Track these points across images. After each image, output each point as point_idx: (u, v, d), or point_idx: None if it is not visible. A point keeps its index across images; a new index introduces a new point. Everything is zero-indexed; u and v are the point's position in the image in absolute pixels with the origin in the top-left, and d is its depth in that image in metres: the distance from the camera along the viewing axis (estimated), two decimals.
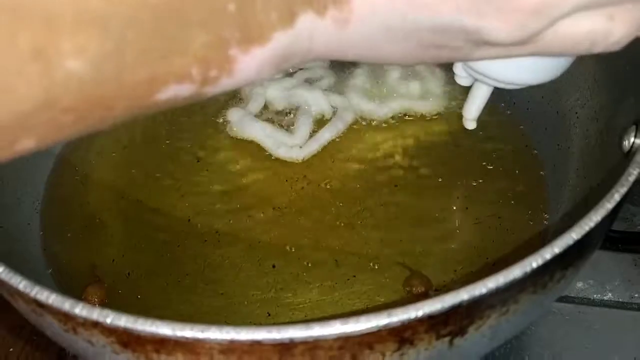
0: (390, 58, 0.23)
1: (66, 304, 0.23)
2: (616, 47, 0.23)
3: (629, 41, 0.23)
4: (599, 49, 0.23)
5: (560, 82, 0.44)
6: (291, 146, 0.45)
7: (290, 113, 0.48)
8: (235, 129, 0.47)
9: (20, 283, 0.24)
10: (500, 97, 0.48)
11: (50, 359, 0.47)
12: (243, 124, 0.46)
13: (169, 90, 0.20)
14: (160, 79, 0.19)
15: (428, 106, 0.47)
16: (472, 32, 0.21)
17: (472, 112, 0.38)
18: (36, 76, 0.17)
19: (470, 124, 0.40)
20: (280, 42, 0.21)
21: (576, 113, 0.42)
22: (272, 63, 0.21)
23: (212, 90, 0.21)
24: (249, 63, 0.20)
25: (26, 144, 0.19)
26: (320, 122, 0.47)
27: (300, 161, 0.45)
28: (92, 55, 0.18)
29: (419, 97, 0.48)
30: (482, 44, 0.22)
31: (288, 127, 0.46)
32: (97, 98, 0.19)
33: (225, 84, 0.21)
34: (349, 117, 0.47)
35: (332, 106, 0.47)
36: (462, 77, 0.33)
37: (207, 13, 0.19)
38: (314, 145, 0.45)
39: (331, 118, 0.47)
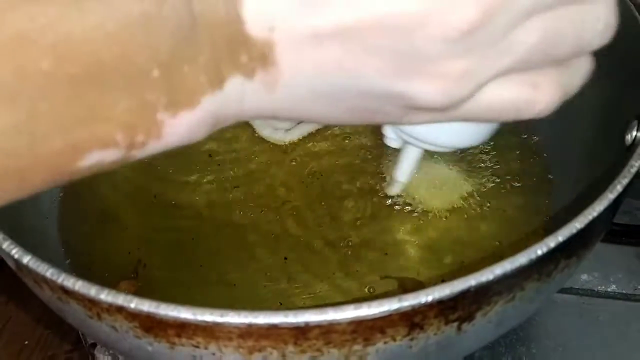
0: (323, 120, 0.23)
1: (92, 290, 0.24)
2: (540, 116, 0.23)
3: (556, 107, 0.23)
4: (524, 117, 0.23)
5: None
6: (277, 129, 0.46)
7: None
8: None
9: (48, 271, 0.26)
10: None
11: (63, 351, 0.48)
12: None
13: (92, 156, 0.19)
14: (81, 147, 0.19)
15: None
16: (400, 97, 0.21)
17: (403, 175, 0.39)
18: None
19: (397, 187, 0.41)
20: (209, 104, 0.20)
21: (580, 107, 0.43)
22: (203, 125, 0.21)
23: (139, 154, 0.20)
24: (178, 126, 0.20)
25: None
26: None
27: (284, 144, 0.46)
28: (1, 127, 0.18)
29: None
30: (412, 109, 0.22)
31: None
32: (11, 170, 0.18)
33: (154, 147, 0.20)
34: None
35: None
36: (391, 138, 0.34)
37: (129, 79, 0.19)
38: (299, 131, 0.46)
39: None
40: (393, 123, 0.26)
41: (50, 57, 0.18)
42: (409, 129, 0.30)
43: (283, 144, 0.46)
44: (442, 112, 0.22)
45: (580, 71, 0.23)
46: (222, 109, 0.21)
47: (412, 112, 0.23)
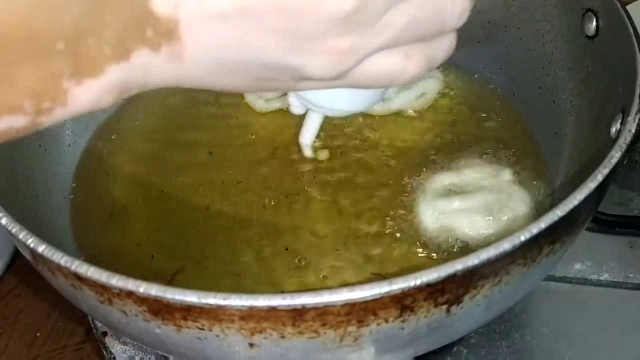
0: (227, 87, 0.26)
1: (103, 276, 0.26)
2: (412, 81, 0.28)
3: (421, 75, 0.27)
4: (398, 83, 0.27)
5: (557, 73, 0.46)
6: (260, 96, 0.50)
7: None
8: None
9: (62, 258, 0.27)
10: (502, 87, 0.50)
11: (75, 342, 0.50)
12: None
13: (1, 122, 0.21)
14: None
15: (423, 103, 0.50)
16: (294, 69, 0.25)
17: (307, 138, 0.44)
18: None
19: (307, 150, 0.45)
20: (114, 74, 0.22)
21: (571, 102, 0.44)
22: (109, 93, 0.22)
23: (47, 120, 0.22)
24: (83, 94, 0.22)
25: None
26: None
27: (260, 112, 0.49)
28: None
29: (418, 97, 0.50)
30: (303, 79, 0.26)
31: None
32: None
33: (61, 113, 0.22)
34: None
35: None
36: (295, 105, 0.39)
37: (34, 51, 0.20)
38: (276, 104, 0.49)
39: None
40: (289, 90, 0.30)
41: None
42: (309, 96, 0.35)
43: (261, 111, 0.50)
44: (329, 81, 0.26)
45: (443, 46, 0.27)
46: (128, 79, 0.23)
47: (304, 81, 0.26)
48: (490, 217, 0.41)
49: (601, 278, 0.45)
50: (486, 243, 0.39)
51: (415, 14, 0.25)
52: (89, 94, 0.22)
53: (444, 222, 0.41)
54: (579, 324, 0.43)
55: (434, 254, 0.40)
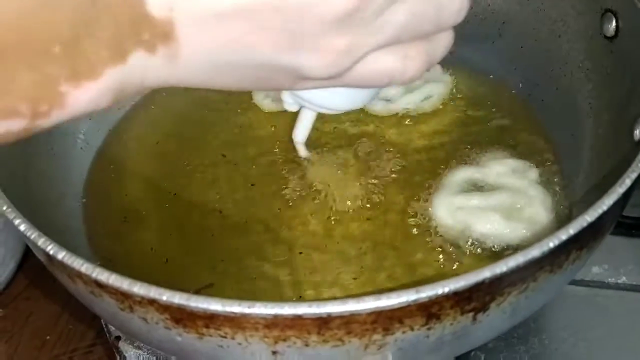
0: (224, 86, 0.26)
1: (125, 284, 0.26)
2: (411, 81, 0.27)
3: (421, 75, 0.27)
4: (397, 82, 0.27)
5: (575, 74, 0.46)
6: (267, 96, 0.50)
7: None
8: None
9: (83, 266, 0.27)
10: (518, 89, 0.50)
11: (85, 345, 0.49)
12: None
13: None
14: None
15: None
16: (292, 69, 0.24)
17: (300, 135, 0.43)
18: None
19: (301, 148, 0.44)
20: (112, 76, 0.22)
21: (589, 103, 0.44)
22: (106, 94, 0.22)
23: (45, 123, 0.22)
24: (81, 97, 0.22)
25: None
26: None
27: (264, 111, 0.49)
28: None
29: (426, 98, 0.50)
30: (302, 78, 0.25)
31: None
32: None
33: (59, 116, 0.22)
34: None
35: None
36: (289, 103, 0.38)
37: (30, 56, 0.20)
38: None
39: None
40: (287, 89, 0.29)
41: None
42: (303, 94, 0.34)
43: (269, 111, 0.50)
44: (327, 80, 0.25)
45: (442, 43, 0.27)
46: (125, 80, 0.22)
47: (302, 81, 0.26)
48: (509, 217, 0.40)
49: (619, 281, 0.45)
50: (502, 243, 0.39)
51: (414, 12, 0.25)
52: (86, 96, 0.22)
53: (460, 217, 0.41)
54: (597, 328, 0.43)
55: (446, 249, 0.40)
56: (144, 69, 0.23)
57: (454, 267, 0.39)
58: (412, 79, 0.27)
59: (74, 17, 0.20)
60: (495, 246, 0.40)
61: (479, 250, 0.40)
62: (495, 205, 0.41)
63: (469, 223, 0.40)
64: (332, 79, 0.25)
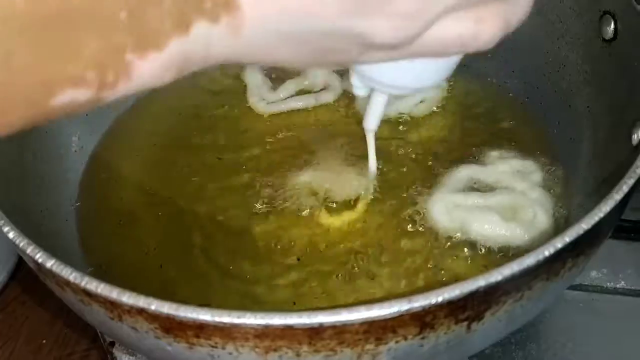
0: (286, 61, 0.25)
1: (114, 293, 0.25)
2: (486, 47, 0.25)
3: (497, 41, 0.25)
4: (470, 49, 0.25)
5: (573, 77, 0.46)
6: (262, 99, 0.49)
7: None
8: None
9: (71, 275, 0.26)
10: (516, 91, 0.49)
11: (81, 349, 0.49)
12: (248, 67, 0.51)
13: (65, 94, 0.21)
14: (54, 83, 0.20)
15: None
16: (358, 35, 0.23)
17: (372, 123, 0.40)
18: None
19: (371, 137, 0.42)
20: (176, 48, 0.21)
21: (588, 107, 0.44)
22: (171, 67, 0.22)
23: (111, 94, 0.21)
24: (146, 68, 0.21)
25: None
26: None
27: (263, 115, 0.49)
28: None
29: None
30: (368, 47, 0.24)
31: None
32: None
33: (124, 88, 0.21)
34: (327, 97, 0.50)
35: (328, 84, 0.51)
36: (358, 87, 0.35)
37: (98, 21, 0.20)
38: (279, 107, 0.49)
39: (313, 92, 0.50)
40: (353, 62, 0.28)
41: None
42: (373, 74, 0.32)
43: (264, 113, 0.50)
44: (396, 49, 0.24)
45: (518, 5, 0.25)
46: (189, 52, 0.22)
47: (369, 50, 0.24)
48: (508, 219, 0.40)
49: (618, 286, 0.45)
50: (497, 244, 0.39)
51: None
52: (152, 68, 0.21)
53: (457, 216, 0.40)
54: (595, 333, 0.42)
55: (438, 245, 0.40)
56: (208, 40, 0.22)
57: (446, 265, 0.39)
58: (486, 45, 0.25)
59: None
60: (491, 247, 0.39)
61: (473, 249, 0.39)
62: (494, 206, 0.41)
63: (465, 222, 0.40)
64: (401, 48, 0.24)
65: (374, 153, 0.43)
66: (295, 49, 0.24)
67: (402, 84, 0.32)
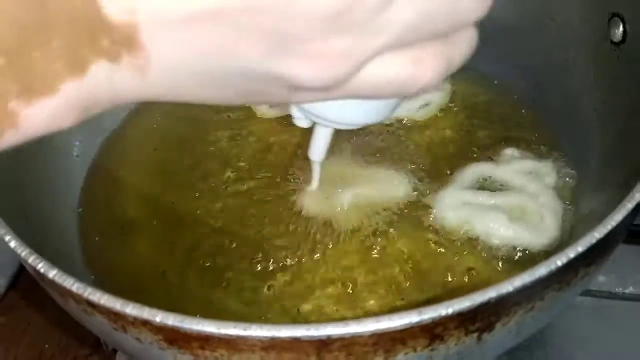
0: (212, 101, 0.23)
1: (117, 304, 0.25)
2: (427, 90, 0.23)
3: (440, 83, 0.23)
4: (411, 91, 0.23)
5: (580, 80, 0.45)
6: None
7: None
8: None
9: (73, 285, 0.26)
10: (523, 94, 0.49)
11: (83, 355, 0.49)
12: None
13: None
14: None
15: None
16: (281, 78, 0.21)
17: (317, 155, 0.38)
18: None
19: (317, 169, 0.41)
20: (73, 90, 0.19)
21: (595, 110, 0.43)
22: (69, 112, 0.20)
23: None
24: (36, 115, 0.19)
25: None
26: None
27: (262, 118, 0.49)
28: None
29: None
30: (295, 89, 0.22)
31: None
32: None
33: (13, 137, 0.19)
34: None
35: None
36: (298, 118, 0.33)
37: None
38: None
39: None
40: (281, 102, 0.26)
41: None
42: (313, 109, 0.30)
43: (267, 117, 0.49)
44: (326, 91, 0.22)
45: (462, 43, 0.23)
46: (90, 95, 0.20)
47: (296, 92, 0.22)
48: (515, 219, 0.39)
49: (626, 291, 0.44)
50: (501, 244, 0.39)
51: (423, 7, 0.21)
52: (44, 114, 0.19)
53: (463, 213, 0.40)
54: (603, 339, 0.42)
55: (444, 242, 0.40)
56: (111, 81, 0.20)
57: (448, 261, 0.39)
58: (427, 88, 0.23)
59: (19, 23, 0.18)
60: (495, 246, 0.39)
61: (475, 247, 0.39)
62: (502, 205, 0.40)
63: (470, 219, 0.40)
64: (332, 89, 0.22)
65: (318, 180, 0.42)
66: (216, 90, 0.22)
67: (348, 120, 0.30)
